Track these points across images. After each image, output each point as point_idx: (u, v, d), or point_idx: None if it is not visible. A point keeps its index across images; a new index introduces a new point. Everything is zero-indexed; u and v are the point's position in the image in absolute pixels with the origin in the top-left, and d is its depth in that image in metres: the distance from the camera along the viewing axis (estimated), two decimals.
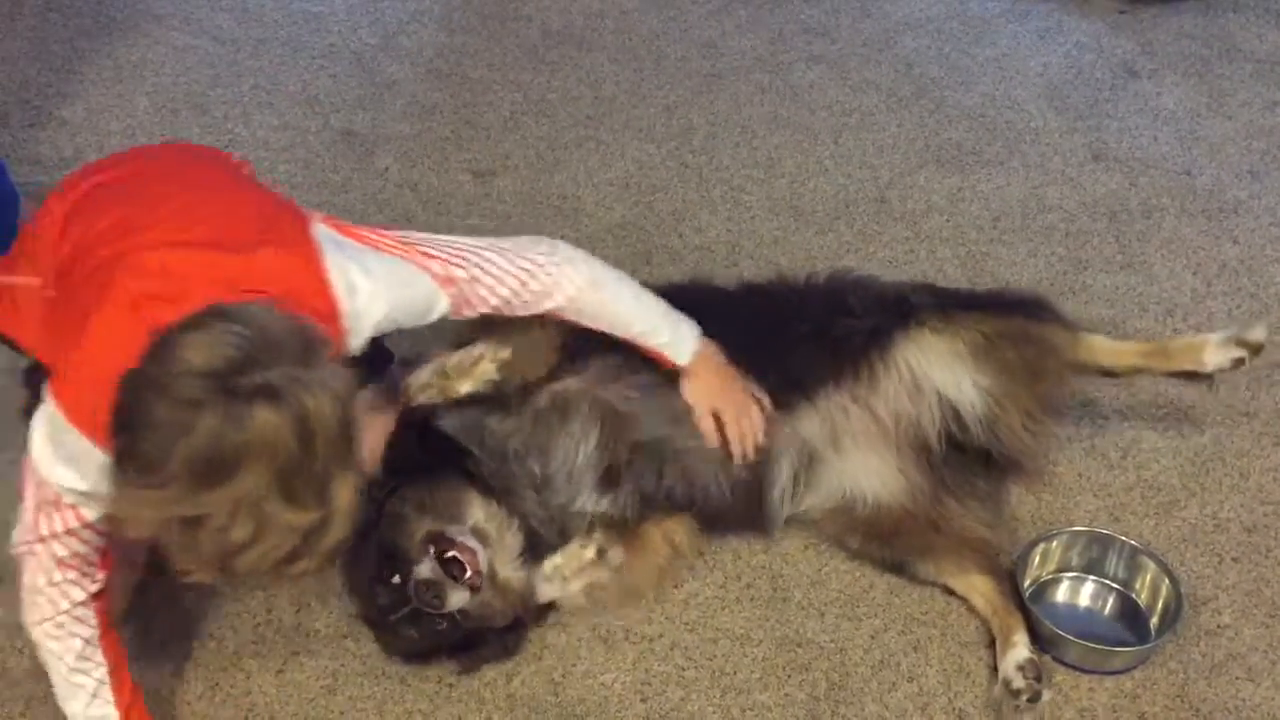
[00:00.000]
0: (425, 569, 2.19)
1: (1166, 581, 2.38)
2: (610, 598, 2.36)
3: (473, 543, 2.22)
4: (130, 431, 1.74)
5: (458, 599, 2.19)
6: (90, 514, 1.94)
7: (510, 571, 2.27)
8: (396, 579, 2.20)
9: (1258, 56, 3.82)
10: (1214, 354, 2.42)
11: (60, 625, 2.00)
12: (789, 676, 2.30)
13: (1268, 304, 3.02)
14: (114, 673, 2.05)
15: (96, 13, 3.85)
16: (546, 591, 2.33)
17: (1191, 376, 2.49)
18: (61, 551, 1.95)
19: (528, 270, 2.16)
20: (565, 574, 2.32)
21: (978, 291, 2.74)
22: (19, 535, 1.96)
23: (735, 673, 2.31)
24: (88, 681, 2.03)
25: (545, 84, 3.68)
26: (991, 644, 2.33)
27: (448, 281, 2.09)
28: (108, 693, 2.05)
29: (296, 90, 3.61)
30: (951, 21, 3.96)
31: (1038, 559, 2.45)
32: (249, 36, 3.81)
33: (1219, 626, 2.37)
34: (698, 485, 2.37)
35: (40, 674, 2.26)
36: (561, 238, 3.16)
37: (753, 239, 3.18)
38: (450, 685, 2.28)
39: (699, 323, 2.32)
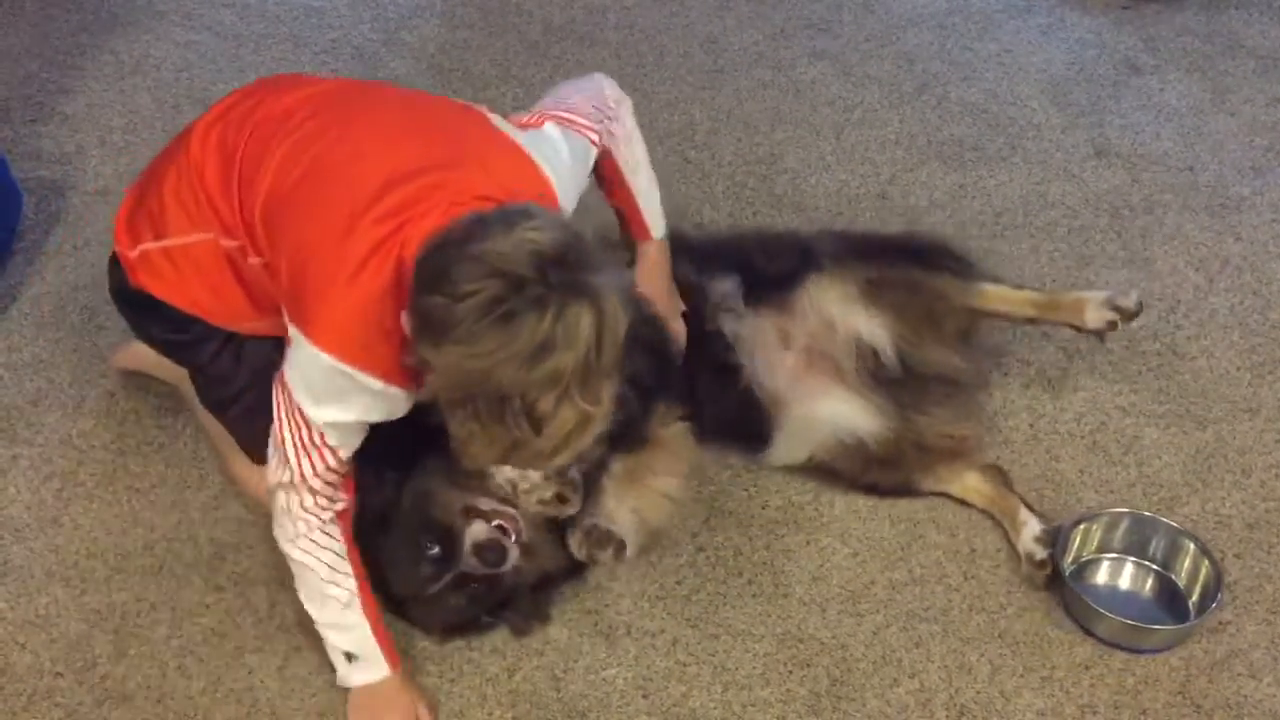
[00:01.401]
0: (480, 531, 2.26)
1: (1206, 563, 2.40)
2: (656, 509, 2.40)
3: (506, 509, 2.30)
4: (449, 301, 1.84)
5: (513, 556, 2.27)
6: (346, 453, 2.09)
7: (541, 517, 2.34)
8: (436, 550, 2.26)
9: (1260, 53, 3.81)
10: (1092, 314, 2.56)
11: (314, 540, 2.14)
12: (790, 672, 2.30)
13: (1270, 300, 3.02)
14: (361, 586, 2.18)
15: (98, 8, 3.85)
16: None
17: (1077, 330, 2.62)
18: (317, 484, 2.10)
19: (611, 108, 2.37)
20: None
21: (879, 236, 2.81)
22: (278, 472, 2.10)
23: (737, 668, 2.31)
24: (341, 593, 2.15)
25: (547, 79, 3.67)
26: (995, 637, 2.34)
27: (593, 135, 2.30)
28: (359, 605, 2.17)
29: None
30: (954, 17, 3.95)
31: (1079, 539, 2.47)
32: (251, 32, 3.81)
33: (1221, 623, 2.37)
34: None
35: (43, 670, 2.27)
36: None
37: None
38: (452, 680, 2.28)
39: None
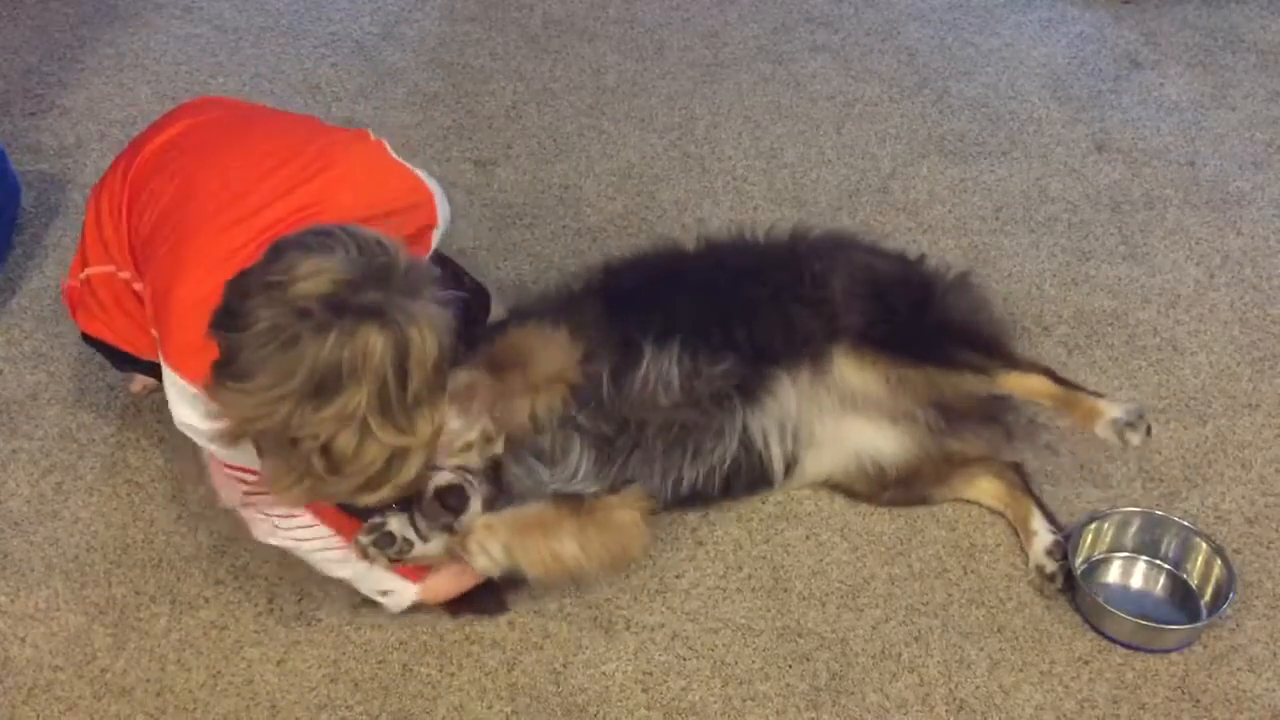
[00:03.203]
0: (443, 477, 2.18)
1: (1218, 562, 2.40)
2: (535, 560, 2.25)
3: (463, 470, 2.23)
4: (233, 333, 1.80)
5: (475, 505, 2.21)
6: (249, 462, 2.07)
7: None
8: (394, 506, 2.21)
9: (1261, 47, 3.81)
10: (1102, 429, 2.44)
11: (278, 527, 2.17)
12: (790, 667, 2.30)
13: (1271, 295, 3.02)
14: (347, 537, 2.17)
15: (98, 2, 3.85)
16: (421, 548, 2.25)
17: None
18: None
19: None
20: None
21: (907, 319, 2.52)
22: (224, 496, 2.22)
23: (736, 663, 2.31)
24: (332, 553, 2.19)
25: (547, 73, 3.67)
26: (994, 632, 2.34)
27: None
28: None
29: (298, 79, 3.61)
30: (954, 11, 3.95)
31: (1090, 538, 2.46)
32: (250, 25, 3.80)
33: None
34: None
35: (42, 663, 2.27)
36: (563, 228, 3.19)
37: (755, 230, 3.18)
38: (452, 675, 2.28)
39: (663, 287, 2.47)
